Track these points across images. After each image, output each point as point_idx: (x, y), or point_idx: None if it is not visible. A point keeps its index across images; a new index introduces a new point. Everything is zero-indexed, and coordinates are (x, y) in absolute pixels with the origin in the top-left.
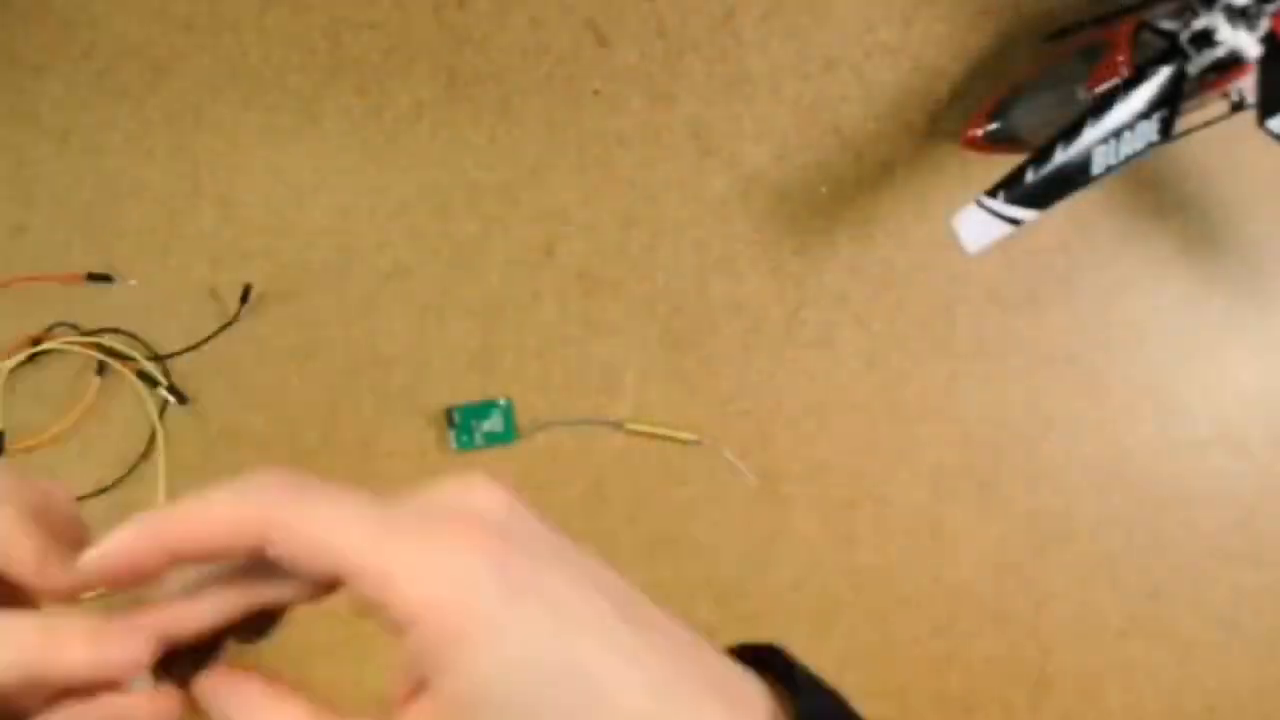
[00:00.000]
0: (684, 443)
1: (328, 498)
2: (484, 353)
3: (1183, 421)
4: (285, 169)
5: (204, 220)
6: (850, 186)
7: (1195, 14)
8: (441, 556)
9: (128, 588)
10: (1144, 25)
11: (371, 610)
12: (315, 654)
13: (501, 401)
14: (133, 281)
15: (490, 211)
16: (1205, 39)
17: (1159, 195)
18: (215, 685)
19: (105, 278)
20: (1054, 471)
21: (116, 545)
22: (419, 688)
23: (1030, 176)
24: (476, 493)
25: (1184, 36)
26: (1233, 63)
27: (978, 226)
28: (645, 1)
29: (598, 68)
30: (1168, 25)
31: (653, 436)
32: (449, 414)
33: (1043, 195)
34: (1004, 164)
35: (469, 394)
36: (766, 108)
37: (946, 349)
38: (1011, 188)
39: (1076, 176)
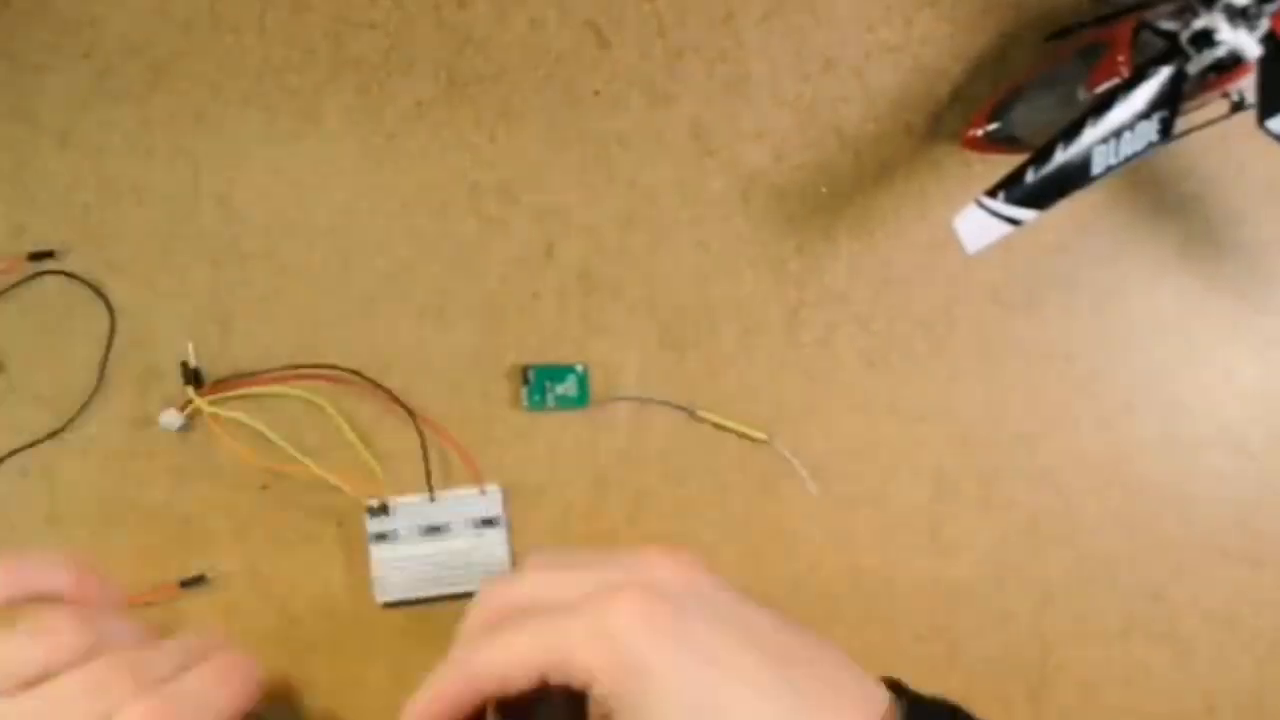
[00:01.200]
0: (753, 440)
1: (498, 644)
2: (483, 352)
3: (1183, 421)
4: (285, 169)
5: (204, 220)
6: (850, 186)
7: (1195, 14)
8: (603, 627)
9: None
10: (1144, 25)
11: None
12: (316, 653)
13: (579, 367)
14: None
15: (490, 211)
16: (1205, 39)
17: (1159, 195)
18: None
19: (48, 254)
20: (1054, 471)
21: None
22: None
23: (1030, 176)
24: (657, 568)
25: (1184, 36)
26: (1233, 63)
27: (978, 226)
28: (645, 1)
29: (598, 68)
30: (1168, 25)
31: (720, 428)
32: (524, 372)
33: (1043, 195)
34: (1004, 164)
35: (469, 392)
36: (766, 108)
37: (946, 349)
38: (1011, 188)
39: (1076, 176)
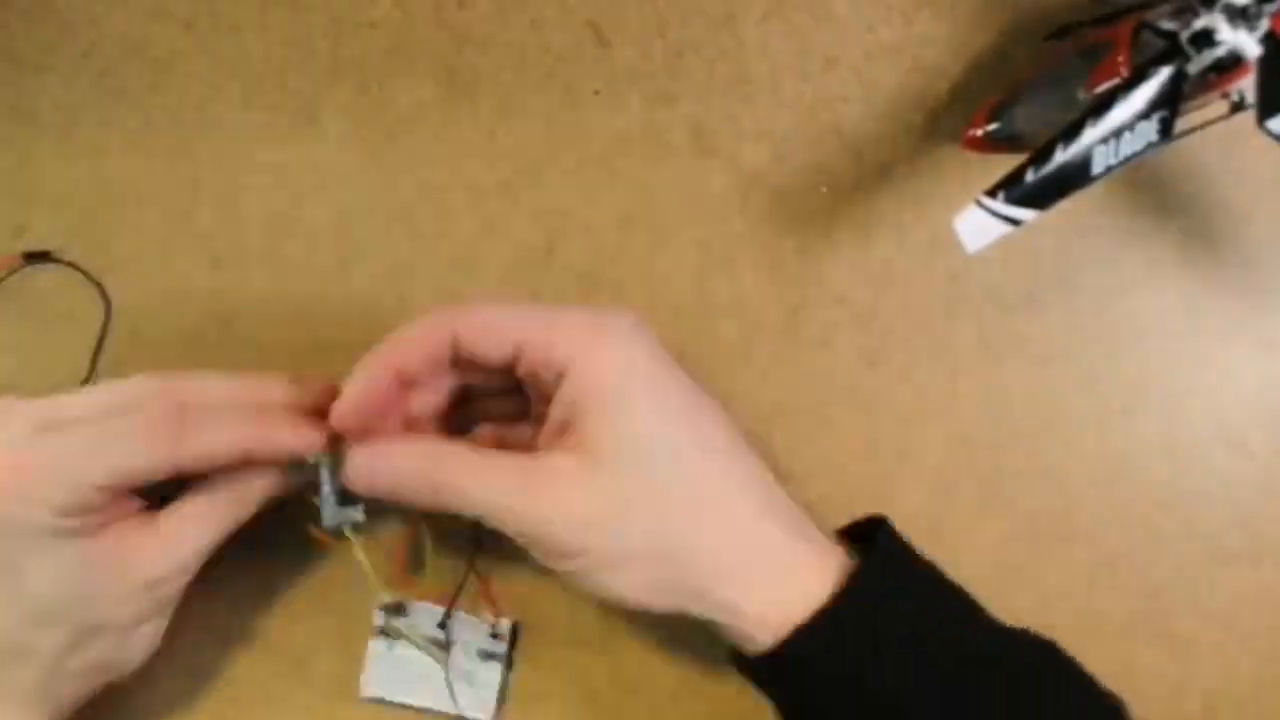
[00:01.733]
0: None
1: (495, 302)
2: None
3: (1183, 421)
4: (285, 169)
5: (204, 220)
6: (850, 186)
7: (1195, 14)
8: (606, 328)
9: (375, 415)
10: (1144, 25)
11: (537, 380)
12: (317, 652)
13: None
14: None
15: (490, 211)
16: (1205, 39)
17: (1159, 195)
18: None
19: (45, 254)
20: (1054, 471)
21: (359, 390)
22: (564, 429)
23: (1030, 176)
24: (627, 314)
25: (1184, 36)
26: (1233, 63)
27: (978, 226)
28: (645, 1)
29: (598, 68)
30: (1168, 25)
31: None
32: None
33: (1043, 195)
34: (1004, 164)
35: None
36: (766, 108)
37: (946, 349)
38: (1011, 188)
39: (1076, 176)
